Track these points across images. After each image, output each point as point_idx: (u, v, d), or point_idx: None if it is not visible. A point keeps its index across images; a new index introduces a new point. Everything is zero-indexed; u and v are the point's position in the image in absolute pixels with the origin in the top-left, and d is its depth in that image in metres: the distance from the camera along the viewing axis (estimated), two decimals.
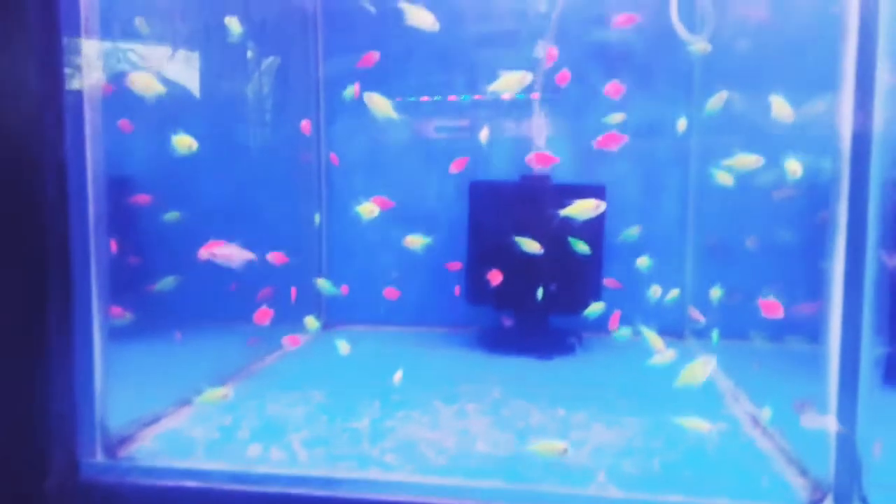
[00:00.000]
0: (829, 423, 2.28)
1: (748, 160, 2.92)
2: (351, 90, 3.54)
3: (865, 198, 2.22)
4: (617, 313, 3.50)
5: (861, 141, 2.20)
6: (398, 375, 3.03)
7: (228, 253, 2.68)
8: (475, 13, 4.77)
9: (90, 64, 2.53)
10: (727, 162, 2.98)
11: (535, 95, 4.52)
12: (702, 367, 2.47)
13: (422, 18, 2.81)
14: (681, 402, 3.27)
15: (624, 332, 3.52)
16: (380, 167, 4.97)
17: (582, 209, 2.96)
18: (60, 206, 2.47)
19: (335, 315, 5.05)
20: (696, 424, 2.55)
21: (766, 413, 2.90)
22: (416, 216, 4.81)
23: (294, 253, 4.89)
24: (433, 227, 4.85)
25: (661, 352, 2.87)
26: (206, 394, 2.81)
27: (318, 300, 4.93)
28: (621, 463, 2.56)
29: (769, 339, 3.49)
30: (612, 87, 3.21)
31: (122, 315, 3.20)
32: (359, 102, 3.55)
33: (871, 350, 2.29)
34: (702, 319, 3.74)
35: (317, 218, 4.90)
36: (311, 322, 3.42)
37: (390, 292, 3.87)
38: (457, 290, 4.09)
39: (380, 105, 2.82)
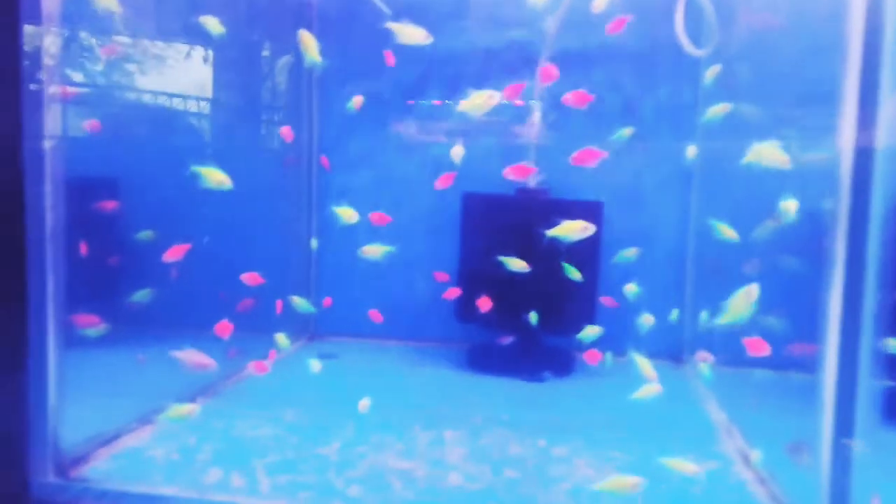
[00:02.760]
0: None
1: (766, 151, 2.61)
2: (352, 103, 3.45)
3: (865, 229, 2.06)
4: (593, 352, 3.35)
5: (862, 169, 2.04)
6: (364, 403, 2.88)
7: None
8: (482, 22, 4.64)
9: (51, 64, 2.41)
10: (746, 160, 2.68)
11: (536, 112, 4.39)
12: (745, 298, 2.23)
13: (412, 35, 2.70)
14: (672, 435, 3.11)
15: (609, 358, 3.38)
16: (377, 173, 4.83)
17: (569, 230, 2.80)
18: (15, 214, 2.36)
19: (323, 326, 4.92)
20: (683, 466, 2.37)
21: (755, 456, 2.71)
22: (412, 226, 4.68)
23: (283, 262, 4.78)
24: (430, 238, 4.73)
25: (651, 381, 2.70)
26: (170, 410, 2.67)
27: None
28: None
29: (770, 368, 3.29)
30: (576, 97, 2.99)
31: (95, 324, 3.07)
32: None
33: (868, 387, 2.12)
34: (710, 360, 3.54)
35: (314, 243, 4.75)
36: (281, 339, 3.28)
37: (375, 315, 3.72)
38: (448, 292, 3.92)
39: (310, 46, 2.69)
